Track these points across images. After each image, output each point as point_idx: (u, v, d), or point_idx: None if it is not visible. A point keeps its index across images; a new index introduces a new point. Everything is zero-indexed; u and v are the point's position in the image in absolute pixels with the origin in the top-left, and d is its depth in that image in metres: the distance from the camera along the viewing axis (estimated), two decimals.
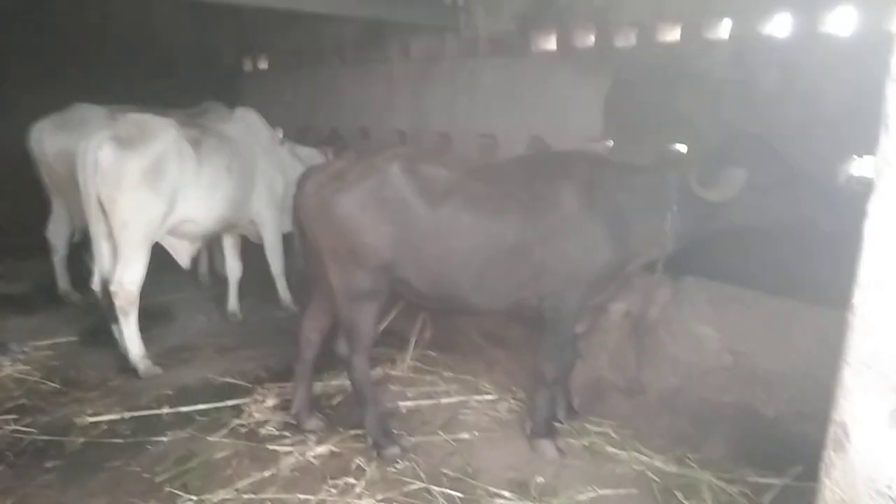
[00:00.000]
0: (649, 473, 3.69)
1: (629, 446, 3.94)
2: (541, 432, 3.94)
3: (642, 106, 5.16)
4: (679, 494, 3.48)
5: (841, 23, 4.31)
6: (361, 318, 3.79)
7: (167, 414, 4.26)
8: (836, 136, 4.12)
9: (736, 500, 3.45)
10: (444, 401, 4.55)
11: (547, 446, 3.89)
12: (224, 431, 4.05)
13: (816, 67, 4.25)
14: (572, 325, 3.91)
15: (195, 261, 6.22)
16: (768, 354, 3.71)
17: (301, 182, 3.89)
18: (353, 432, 4.02)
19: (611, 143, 5.48)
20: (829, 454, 1.90)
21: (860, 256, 1.78)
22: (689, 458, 3.79)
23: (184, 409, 4.30)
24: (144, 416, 4.22)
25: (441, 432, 4.12)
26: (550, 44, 5.93)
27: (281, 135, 6.48)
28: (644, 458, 3.83)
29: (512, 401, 4.53)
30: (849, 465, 1.85)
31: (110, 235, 4.78)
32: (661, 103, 5.01)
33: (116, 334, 4.96)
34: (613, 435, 4.08)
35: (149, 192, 4.74)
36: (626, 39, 5.35)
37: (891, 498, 1.77)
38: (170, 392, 4.56)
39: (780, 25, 4.58)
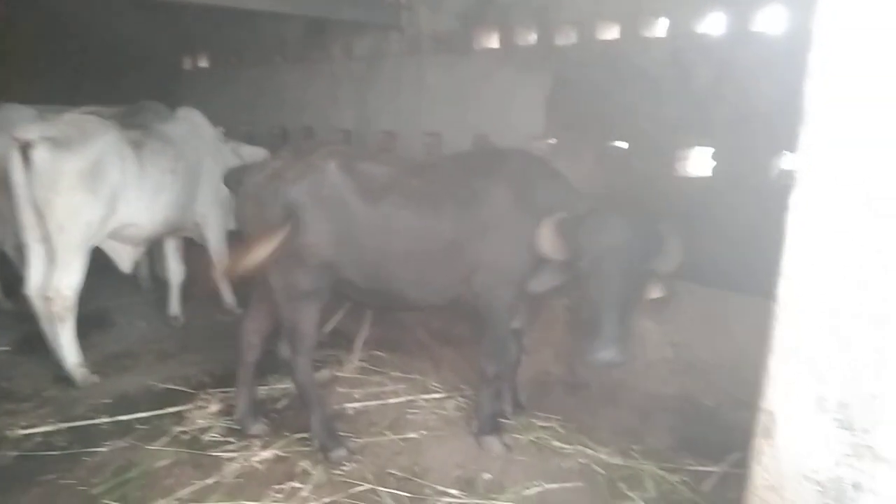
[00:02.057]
0: (594, 466, 3.74)
1: (574, 440, 3.99)
2: (486, 429, 3.95)
3: (583, 103, 5.23)
4: (623, 486, 3.55)
5: (771, 21, 4.44)
6: (303, 318, 3.75)
7: (105, 423, 4.12)
8: (768, 132, 4.25)
9: (677, 489, 3.53)
10: (392, 401, 4.53)
11: (492, 443, 3.90)
12: (165, 439, 3.94)
13: (749, 65, 4.37)
14: (507, 320, 3.89)
15: (135, 264, 6.03)
16: (707, 346, 3.81)
17: (241, 182, 3.82)
18: (298, 436, 3.97)
19: (553, 140, 5.53)
20: (759, 441, 1.96)
21: (784, 248, 1.84)
22: (633, 450, 3.87)
23: (123, 417, 4.17)
24: (81, 427, 4.07)
25: (388, 432, 4.10)
26: (493, 42, 5.97)
27: (223, 133, 6.32)
28: (589, 451, 3.88)
29: (460, 398, 4.54)
30: (776, 451, 1.91)
31: (45, 239, 4.60)
32: (601, 100, 5.08)
33: (51, 342, 4.78)
34: (559, 429, 4.12)
35: (87, 195, 4.58)
36: (566, 38, 5.41)
37: (817, 482, 1.83)
38: (108, 401, 4.41)
39: (714, 24, 4.70)
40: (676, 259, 3.38)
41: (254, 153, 6.30)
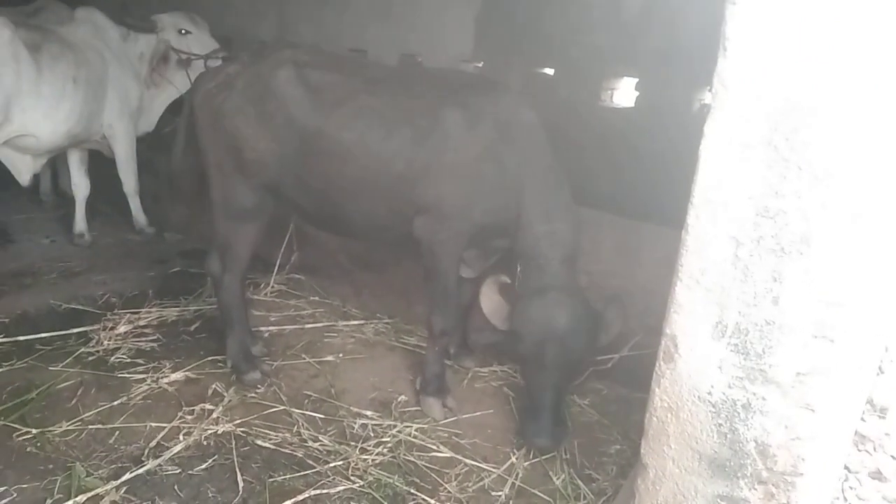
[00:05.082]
0: (506, 389, 3.84)
1: (489, 364, 4.06)
2: (429, 389, 3.62)
3: (512, 27, 5.11)
4: None
5: None
6: (238, 237, 3.62)
7: (2, 343, 3.91)
8: (692, 65, 4.26)
9: (585, 412, 3.68)
10: (310, 325, 4.48)
11: (433, 405, 3.59)
12: (69, 361, 3.78)
13: None
14: (454, 270, 3.51)
15: (36, 178, 5.66)
16: (620, 274, 3.89)
17: (192, 89, 3.61)
18: (211, 358, 3.89)
19: (481, 63, 5.42)
20: (660, 365, 2.02)
21: (695, 177, 1.85)
22: None
23: (22, 338, 3.97)
24: None
25: (305, 356, 4.07)
26: None
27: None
28: (504, 374, 3.97)
29: (379, 324, 4.53)
30: (676, 374, 1.98)
31: None
32: (531, 25, 4.98)
33: None
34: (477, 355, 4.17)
35: None
36: None
37: (710, 402, 1.91)
38: (5, 320, 4.20)
39: None
40: (615, 331, 3.33)
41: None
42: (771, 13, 1.70)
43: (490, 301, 3.36)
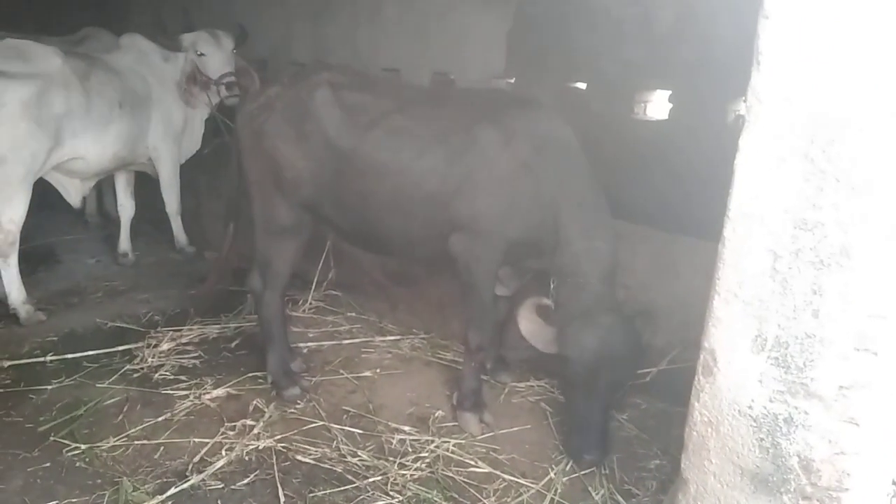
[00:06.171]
0: (543, 405, 3.82)
1: (527, 379, 4.05)
2: (465, 404, 3.60)
3: (544, 42, 5.14)
4: None
5: None
6: (278, 254, 3.70)
7: (52, 361, 4.05)
8: (725, 77, 4.24)
9: (624, 426, 3.64)
10: (347, 341, 4.53)
11: (470, 420, 3.56)
12: (114, 378, 3.90)
13: (710, 8, 4.33)
14: (490, 287, 3.51)
15: (83, 199, 5.84)
16: (656, 288, 3.87)
17: (237, 111, 3.73)
18: (251, 375, 3.96)
19: (512, 79, 5.46)
20: (699, 379, 2.02)
21: (731, 190, 1.85)
22: None
23: (70, 356, 4.10)
24: (26, 365, 4.01)
25: (343, 371, 4.12)
26: None
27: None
28: (540, 390, 3.96)
29: (415, 339, 4.56)
30: (716, 388, 1.97)
31: None
32: (562, 40, 5.01)
33: None
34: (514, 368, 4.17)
35: (30, 125, 4.41)
36: None
37: (751, 416, 1.90)
38: (55, 338, 4.35)
39: None
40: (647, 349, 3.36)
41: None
42: (804, 26, 1.71)
43: (530, 324, 3.34)
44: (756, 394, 1.88)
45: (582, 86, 5.12)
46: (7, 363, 3.99)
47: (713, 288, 1.96)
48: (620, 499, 3.08)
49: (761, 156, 1.79)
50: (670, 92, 4.73)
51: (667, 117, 4.77)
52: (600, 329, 3.13)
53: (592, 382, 3.15)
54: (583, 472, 3.22)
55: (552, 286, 3.37)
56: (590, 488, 3.14)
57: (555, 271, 3.36)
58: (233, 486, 3.07)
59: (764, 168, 1.80)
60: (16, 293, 4.57)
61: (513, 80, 5.46)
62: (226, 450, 3.30)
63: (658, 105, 4.97)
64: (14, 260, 4.54)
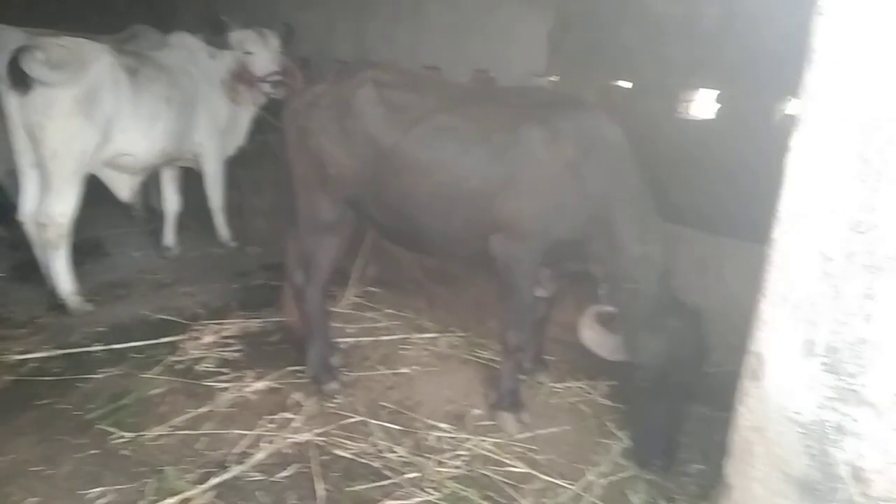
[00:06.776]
0: (582, 406, 3.79)
1: (567, 379, 4.02)
2: (503, 404, 3.60)
3: (586, 40, 5.10)
4: (611, 425, 3.60)
5: None
6: (321, 250, 3.74)
7: (99, 351, 4.15)
8: (773, 75, 4.15)
9: None
10: (385, 337, 4.55)
11: (508, 420, 3.56)
12: (159, 368, 3.98)
13: (757, 5, 4.23)
14: (529, 287, 3.49)
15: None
16: (702, 291, 3.80)
17: (284, 109, 3.78)
18: (291, 368, 4.01)
19: (555, 78, 5.42)
20: (745, 383, 1.97)
21: (781, 191, 1.81)
22: None
23: (117, 346, 4.19)
24: (75, 354, 4.11)
25: (381, 367, 4.14)
26: None
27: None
28: (579, 390, 3.92)
29: (452, 336, 4.57)
30: (762, 393, 1.92)
31: (39, 165, 4.56)
32: (605, 38, 4.95)
33: (45, 270, 4.78)
34: (553, 368, 4.14)
35: (81, 121, 4.52)
36: None
37: (799, 423, 1.85)
38: (102, 329, 4.44)
39: None
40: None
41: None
42: (861, 23, 1.66)
43: (593, 332, 3.30)
44: (805, 400, 1.83)
45: (626, 84, 5.05)
46: (57, 352, 4.10)
47: (761, 291, 1.91)
48: (661, 503, 3.03)
49: (813, 156, 1.75)
50: (717, 91, 4.64)
51: (713, 116, 4.68)
52: (670, 333, 3.10)
53: (663, 388, 3.11)
54: (622, 476, 3.18)
55: (603, 292, 3.33)
56: (628, 492, 3.10)
57: (609, 277, 3.33)
58: (272, 479, 3.11)
59: (816, 168, 1.76)
60: (66, 284, 4.70)
61: (555, 79, 5.42)
62: (266, 442, 3.35)
63: (704, 104, 4.88)
64: (65, 252, 4.66)
